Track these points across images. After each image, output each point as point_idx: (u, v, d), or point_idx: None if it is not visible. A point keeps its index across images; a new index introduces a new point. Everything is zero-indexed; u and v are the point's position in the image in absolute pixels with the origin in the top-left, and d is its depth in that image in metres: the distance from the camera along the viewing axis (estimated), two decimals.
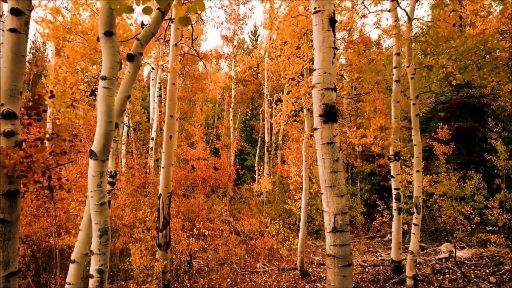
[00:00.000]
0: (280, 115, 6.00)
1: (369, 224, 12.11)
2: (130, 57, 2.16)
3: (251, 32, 25.05)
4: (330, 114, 2.99)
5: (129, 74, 2.17)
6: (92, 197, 1.80)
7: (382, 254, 9.01)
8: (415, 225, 6.09)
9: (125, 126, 17.00)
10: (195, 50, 5.70)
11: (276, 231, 7.61)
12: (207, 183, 11.21)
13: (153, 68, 14.55)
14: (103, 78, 1.82)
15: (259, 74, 19.46)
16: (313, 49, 3.24)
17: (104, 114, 1.80)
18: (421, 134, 10.67)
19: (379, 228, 11.58)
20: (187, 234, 6.75)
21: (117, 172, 5.29)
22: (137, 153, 14.29)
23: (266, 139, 15.47)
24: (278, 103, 7.01)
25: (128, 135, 16.42)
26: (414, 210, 6.11)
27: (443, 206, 9.73)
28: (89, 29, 4.79)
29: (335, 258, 2.58)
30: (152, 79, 14.34)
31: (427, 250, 9.02)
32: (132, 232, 8.03)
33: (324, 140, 2.79)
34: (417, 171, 6.11)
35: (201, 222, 7.14)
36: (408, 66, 6.14)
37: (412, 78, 6.09)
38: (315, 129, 3.09)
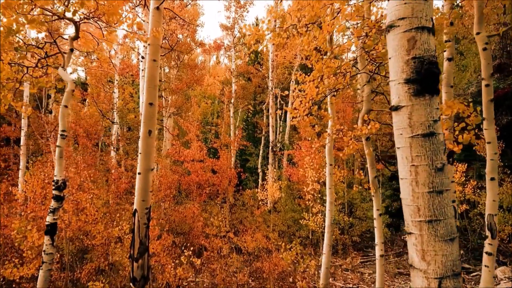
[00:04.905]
0: (301, 101, 4.28)
1: (393, 237, 10.35)
2: None
3: (253, 26, 23.62)
4: (428, 77, 1.36)
5: None
6: None
7: None
8: (489, 254, 4.37)
9: (114, 125, 15.36)
10: None
11: (292, 258, 5.91)
12: (203, 189, 9.48)
13: (143, 58, 12.91)
14: None
15: (262, 66, 17.74)
16: None
17: None
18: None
19: (406, 242, 9.83)
20: (173, 264, 5.04)
21: (66, 181, 3.59)
22: (124, 153, 12.59)
23: (271, 137, 13.79)
24: (296, 84, 5.30)
25: (118, 134, 14.78)
26: (488, 233, 4.40)
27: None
28: None
29: None
30: (142, 70, 12.65)
31: (473, 274, 7.31)
32: (107, 251, 6.39)
33: (415, 128, 1.35)
34: (492, 178, 4.40)
35: (192, 248, 5.44)
36: (478, 33, 4.45)
37: (485, 49, 4.40)
38: (396, 108, 1.50)
